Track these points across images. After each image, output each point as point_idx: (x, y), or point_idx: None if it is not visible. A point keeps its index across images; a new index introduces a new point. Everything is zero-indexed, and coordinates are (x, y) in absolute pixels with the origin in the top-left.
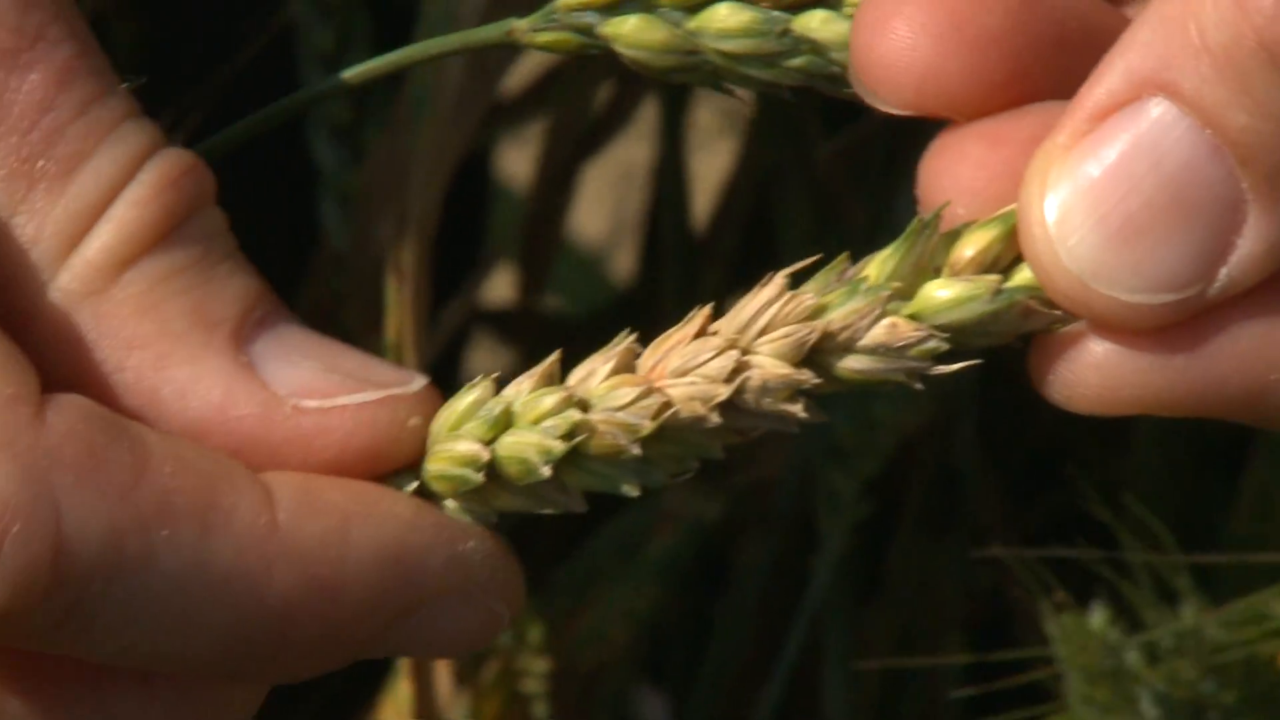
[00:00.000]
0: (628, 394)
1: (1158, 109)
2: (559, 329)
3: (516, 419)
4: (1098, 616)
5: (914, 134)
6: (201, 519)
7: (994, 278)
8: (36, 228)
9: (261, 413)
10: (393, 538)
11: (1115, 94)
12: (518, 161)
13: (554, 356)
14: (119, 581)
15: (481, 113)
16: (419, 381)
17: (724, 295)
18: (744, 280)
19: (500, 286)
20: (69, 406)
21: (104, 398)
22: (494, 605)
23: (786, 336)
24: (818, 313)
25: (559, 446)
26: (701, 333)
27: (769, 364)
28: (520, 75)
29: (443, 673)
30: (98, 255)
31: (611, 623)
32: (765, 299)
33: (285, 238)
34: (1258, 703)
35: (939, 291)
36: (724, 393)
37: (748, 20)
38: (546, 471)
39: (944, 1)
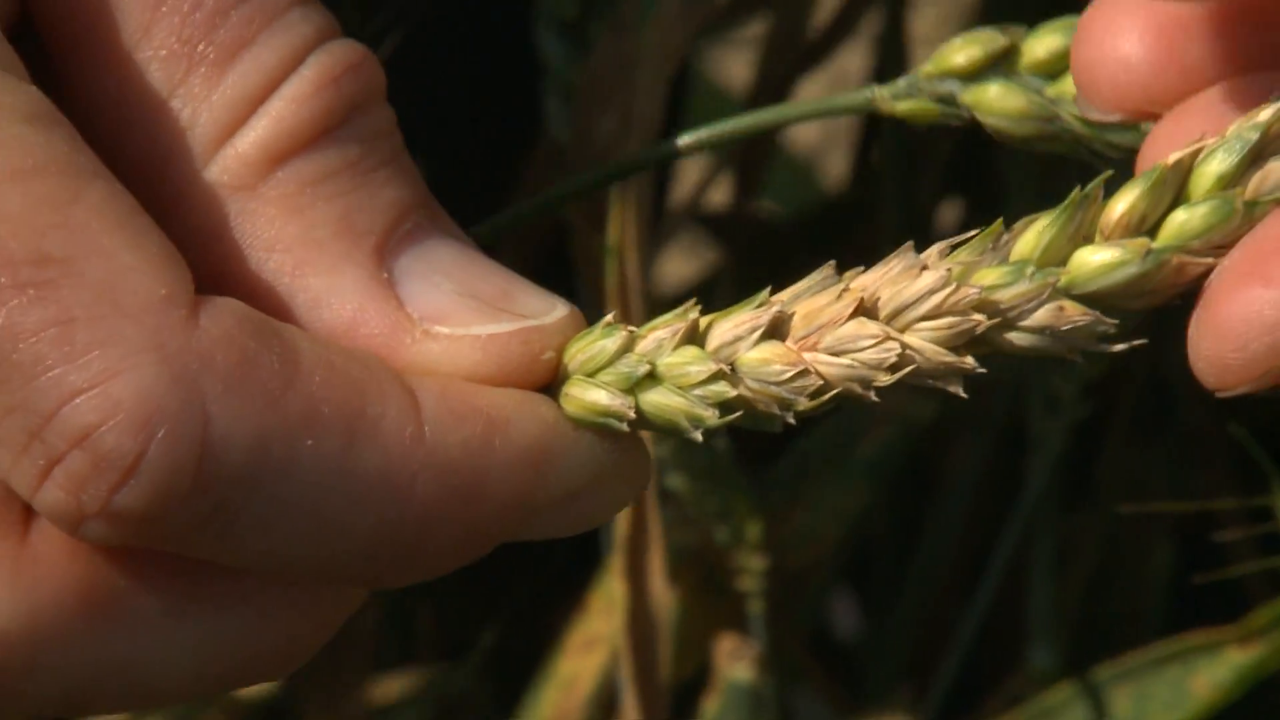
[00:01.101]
0: (782, 370)
1: None
2: (771, 232)
3: (660, 378)
4: None
5: None
6: (348, 429)
7: (1143, 240)
8: (191, 114)
9: (391, 333)
10: (535, 442)
11: None
12: (733, 66)
13: (693, 314)
14: (262, 488)
15: (705, 14)
16: (559, 311)
17: (938, 204)
18: (958, 188)
19: (712, 188)
20: (223, 310)
21: (241, 297)
22: (624, 491)
23: (950, 328)
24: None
25: (711, 417)
26: (859, 310)
27: (930, 350)
28: None
29: (656, 572)
30: (250, 150)
31: (822, 522)
32: (927, 286)
33: (509, 129)
34: None
35: (1093, 256)
36: (885, 380)
37: None
38: (697, 436)
39: (1152, 12)
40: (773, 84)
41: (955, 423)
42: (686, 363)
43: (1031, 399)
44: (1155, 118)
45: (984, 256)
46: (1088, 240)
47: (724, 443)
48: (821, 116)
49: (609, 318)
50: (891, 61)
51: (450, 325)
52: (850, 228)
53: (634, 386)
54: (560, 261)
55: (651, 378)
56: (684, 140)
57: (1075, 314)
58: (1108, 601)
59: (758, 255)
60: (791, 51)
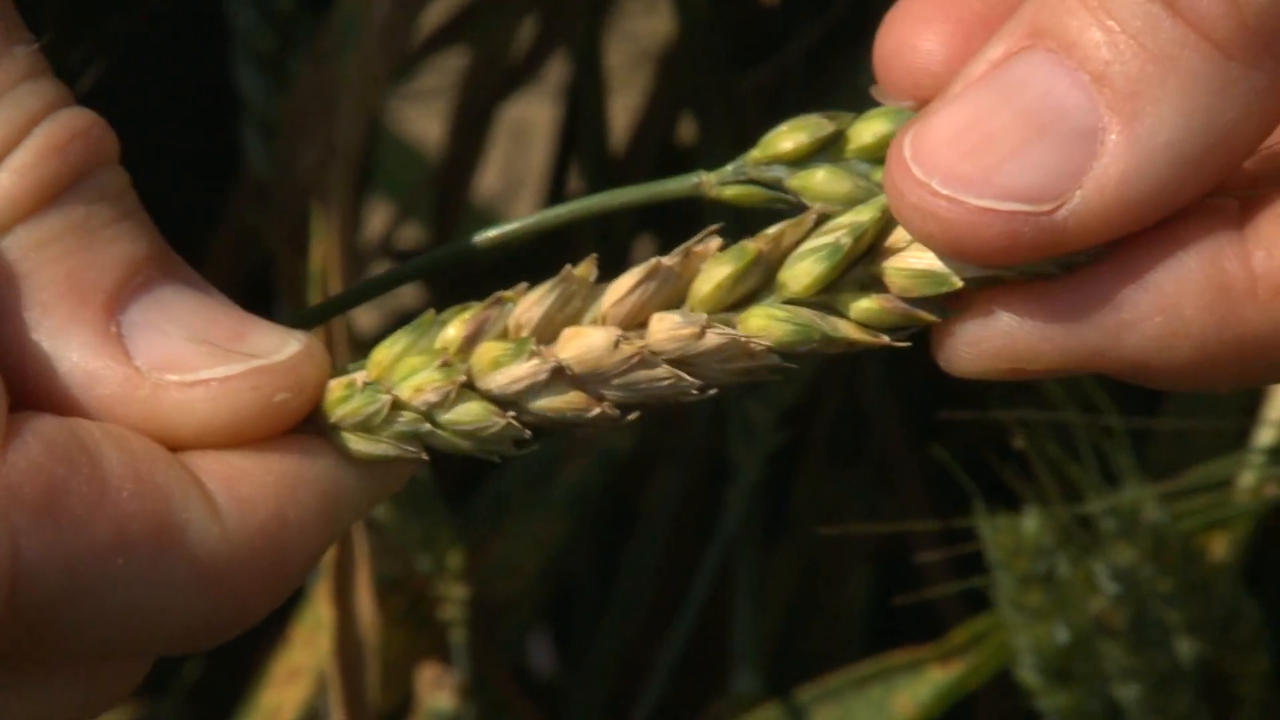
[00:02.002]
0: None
1: (1027, 54)
2: (469, 270)
3: (445, 427)
4: (1030, 519)
5: (831, 68)
6: (155, 542)
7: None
8: None
9: (121, 388)
10: (324, 499)
11: (993, 58)
12: (418, 120)
13: (459, 375)
14: (75, 608)
15: (404, 46)
16: (290, 348)
17: (638, 235)
18: (652, 224)
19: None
20: (31, 438)
21: None
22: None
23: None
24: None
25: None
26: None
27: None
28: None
29: (363, 597)
30: None
31: (522, 552)
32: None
33: (209, 164)
34: (1192, 591)
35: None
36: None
37: None
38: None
39: (958, 7)
40: (473, 115)
41: (654, 452)
42: (472, 420)
43: (730, 428)
44: None
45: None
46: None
47: (426, 472)
48: (649, 201)
49: (359, 376)
50: (590, 80)
51: (179, 372)
52: (548, 262)
53: (420, 436)
54: (264, 288)
55: (437, 428)
56: (502, 229)
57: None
58: (809, 626)
59: (454, 292)
60: (490, 82)
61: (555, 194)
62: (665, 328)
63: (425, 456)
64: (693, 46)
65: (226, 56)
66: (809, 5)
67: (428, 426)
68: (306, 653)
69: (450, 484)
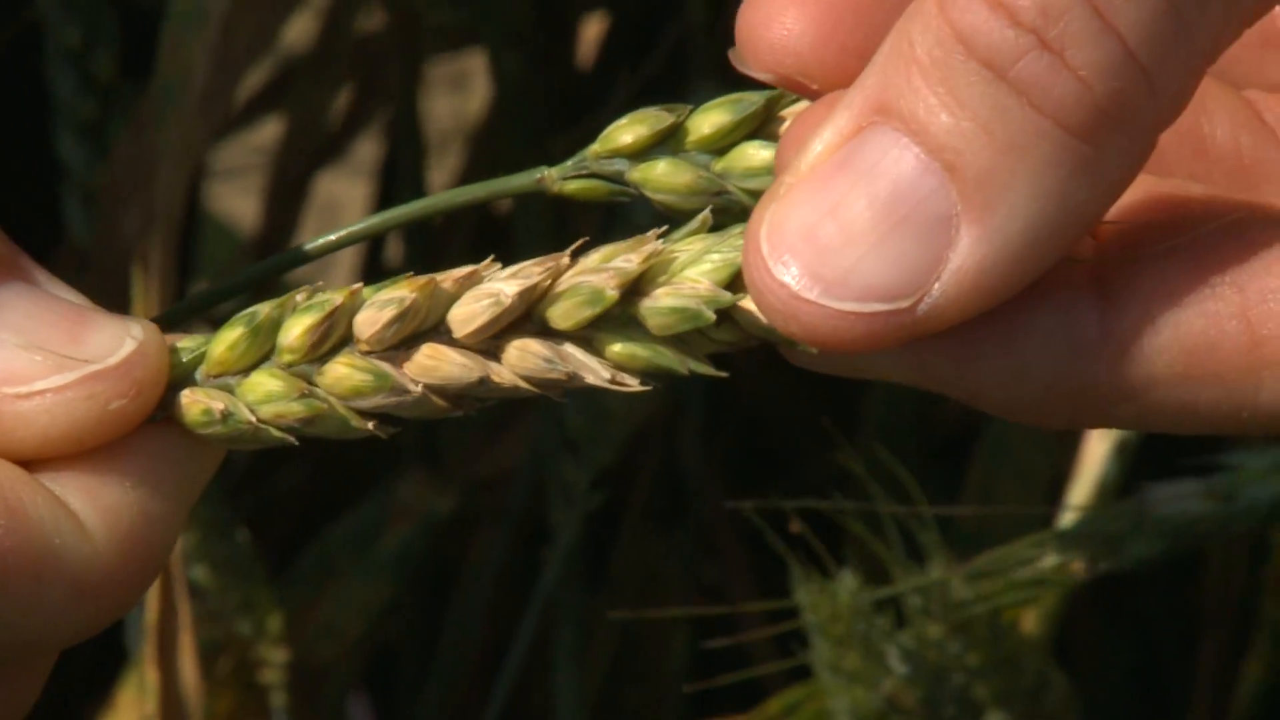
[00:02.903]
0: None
1: (876, 132)
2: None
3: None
4: (846, 582)
5: None
6: (34, 574)
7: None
8: None
9: None
10: (180, 485)
11: (842, 131)
12: (231, 201)
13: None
14: None
15: (224, 111)
16: (126, 346)
17: (455, 253)
18: (475, 237)
19: None
20: None
21: None
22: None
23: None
24: None
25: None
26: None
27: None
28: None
29: (187, 658)
30: None
31: (345, 616)
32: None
33: (27, 234)
34: (1000, 665)
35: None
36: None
37: (774, 156)
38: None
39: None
40: (288, 186)
41: (475, 515)
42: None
43: (549, 490)
44: (806, 91)
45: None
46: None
47: (245, 535)
48: (493, 198)
49: (216, 405)
50: (407, 151)
51: (14, 384)
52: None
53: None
54: None
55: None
56: (345, 231)
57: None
58: (630, 687)
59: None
60: (306, 151)
61: (372, 266)
62: (530, 355)
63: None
64: (508, 112)
65: (46, 124)
66: (622, 66)
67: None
68: (131, 717)
69: (272, 548)
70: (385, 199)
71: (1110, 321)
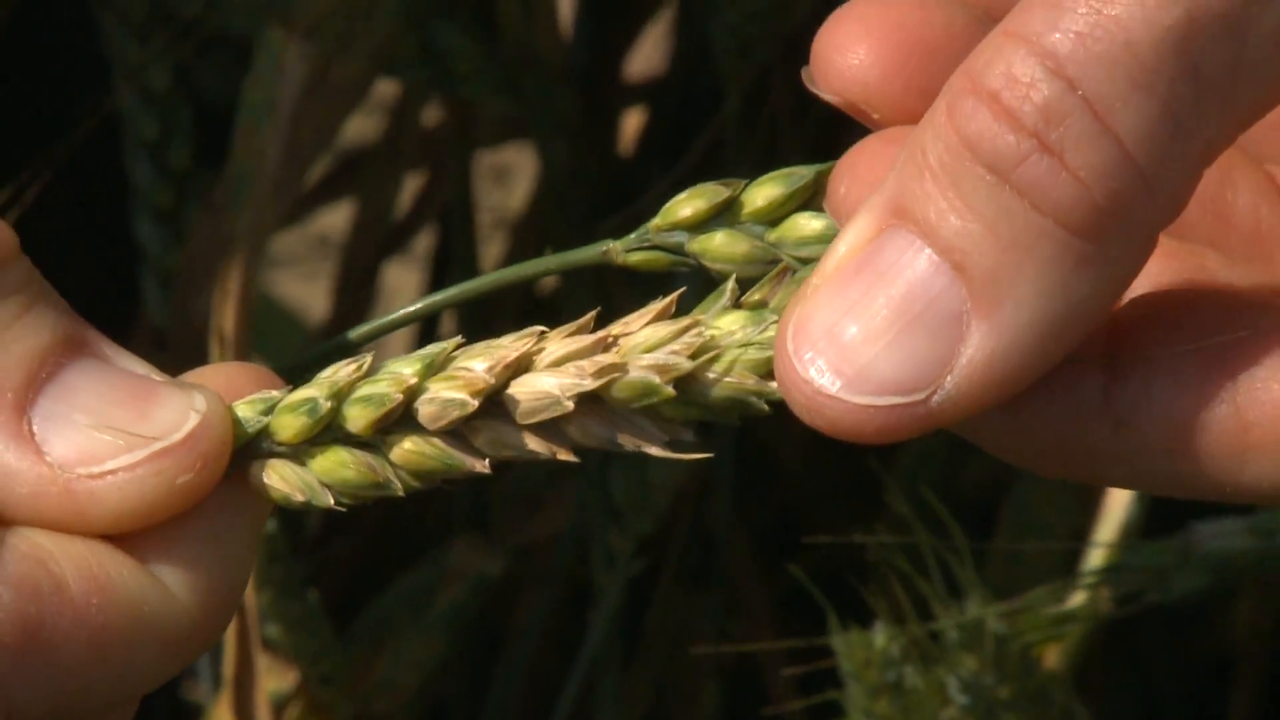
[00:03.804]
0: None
1: (893, 234)
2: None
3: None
4: (880, 634)
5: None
6: (128, 641)
7: None
8: None
9: (35, 488)
10: (248, 532)
11: (863, 234)
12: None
13: None
14: (62, 713)
15: (294, 195)
16: (191, 421)
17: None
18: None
19: None
20: None
21: None
22: None
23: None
24: None
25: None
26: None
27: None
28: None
29: (262, 707)
30: None
31: (402, 671)
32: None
33: (104, 313)
34: (1031, 696)
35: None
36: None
37: (824, 226)
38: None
39: (900, 29)
40: (358, 272)
41: (523, 578)
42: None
43: (592, 555)
44: (868, 119)
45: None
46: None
47: (314, 595)
48: (561, 269)
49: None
50: (461, 237)
51: (87, 465)
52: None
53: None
54: None
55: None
56: (425, 302)
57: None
58: None
59: None
60: (376, 237)
61: (425, 334)
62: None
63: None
64: (554, 195)
65: (126, 210)
66: (662, 156)
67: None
68: None
69: (337, 607)
70: (437, 283)
71: (1113, 391)
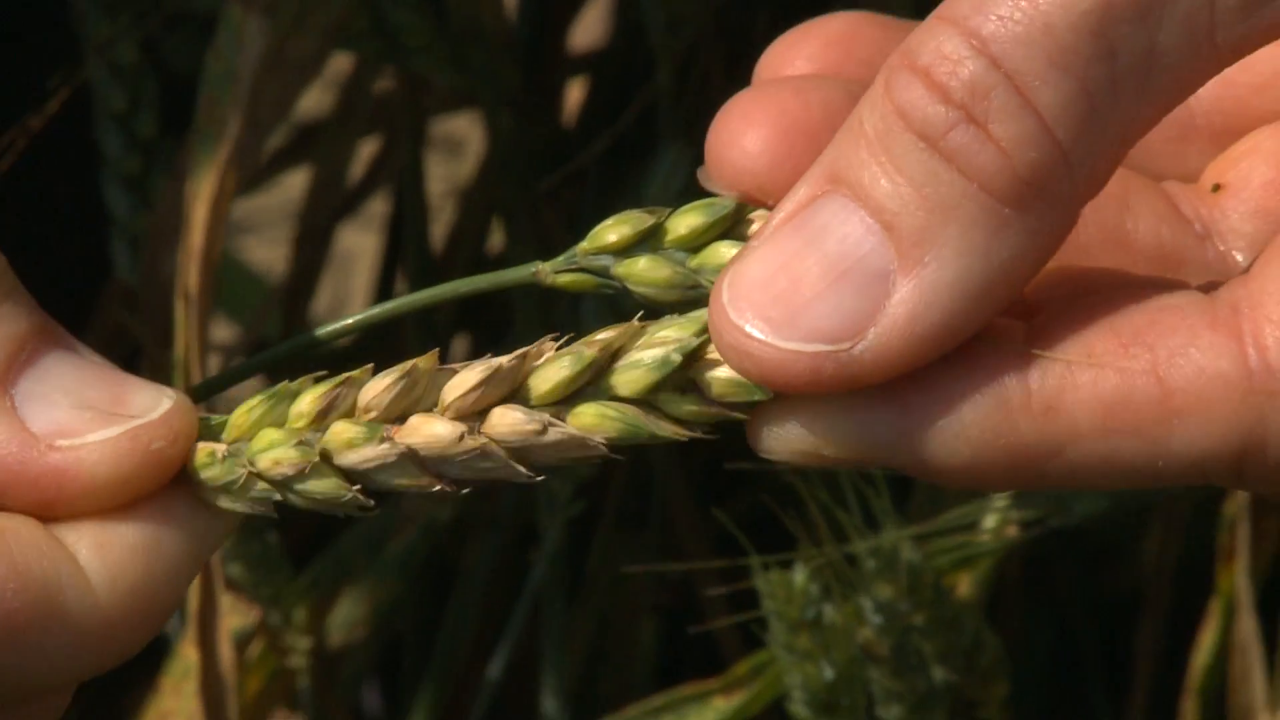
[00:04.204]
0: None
1: (828, 199)
2: (313, 359)
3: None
4: (800, 573)
5: (618, 176)
6: (39, 626)
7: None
8: None
9: (20, 453)
10: (185, 549)
11: (800, 199)
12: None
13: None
14: None
15: (254, 163)
16: (164, 405)
17: (453, 334)
18: (469, 323)
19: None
20: None
21: None
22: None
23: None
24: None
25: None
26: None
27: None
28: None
29: (224, 641)
30: None
31: (358, 610)
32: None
33: (76, 274)
34: (944, 623)
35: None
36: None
37: None
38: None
39: (782, 116)
40: (314, 234)
41: (471, 521)
42: (324, 492)
43: (536, 499)
44: (765, 205)
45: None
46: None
47: (275, 536)
48: (491, 288)
49: (220, 448)
50: (412, 204)
51: (69, 437)
52: (379, 354)
53: (273, 501)
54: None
55: (292, 493)
56: (354, 318)
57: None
58: (606, 668)
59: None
60: (332, 198)
61: (385, 283)
62: (508, 422)
63: (275, 515)
64: (500, 162)
65: (96, 176)
66: (603, 125)
67: (279, 496)
68: (175, 699)
69: (296, 548)
70: (393, 248)
71: (1034, 381)
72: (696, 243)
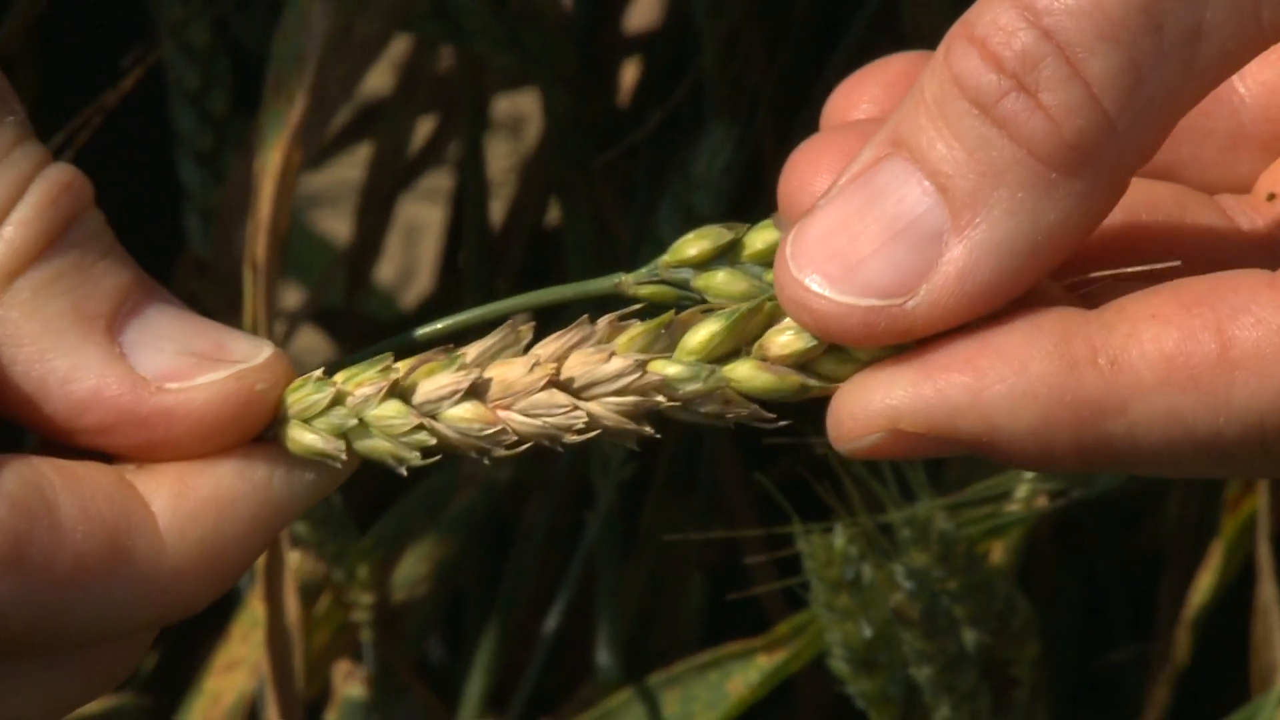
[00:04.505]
0: (481, 428)
1: (889, 161)
2: (379, 327)
3: (369, 427)
4: (840, 536)
5: (669, 153)
6: (108, 569)
7: (795, 376)
8: None
9: (131, 394)
10: (257, 512)
11: (864, 162)
12: (327, 220)
13: (392, 373)
14: (42, 630)
15: (320, 137)
16: (265, 352)
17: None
18: (532, 282)
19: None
20: None
21: (5, 385)
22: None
23: (634, 406)
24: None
25: (415, 458)
26: (551, 383)
27: (613, 420)
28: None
29: (290, 596)
30: None
31: (420, 566)
32: (616, 370)
33: (152, 245)
34: (975, 589)
35: (756, 375)
36: (573, 438)
37: None
38: (402, 471)
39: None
40: (377, 203)
41: (528, 483)
42: (391, 416)
43: (590, 461)
44: None
45: (657, 342)
46: (747, 347)
47: (338, 497)
48: (577, 298)
49: (319, 373)
50: (472, 179)
51: (177, 381)
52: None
53: (346, 433)
54: None
55: (362, 425)
56: (451, 320)
57: (739, 405)
58: (657, 624)
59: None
60: (393, 172)
61: (447, 274)
62: (580, 360)
63: (344, 456)
64: (556, 138)
65: (170, 153)
66: (652, 101)
67: (355, 421)
68: (243, 647)
69: (361, 510)
70: (456, 220)
71: (1098, 339)
72: (771, 257)
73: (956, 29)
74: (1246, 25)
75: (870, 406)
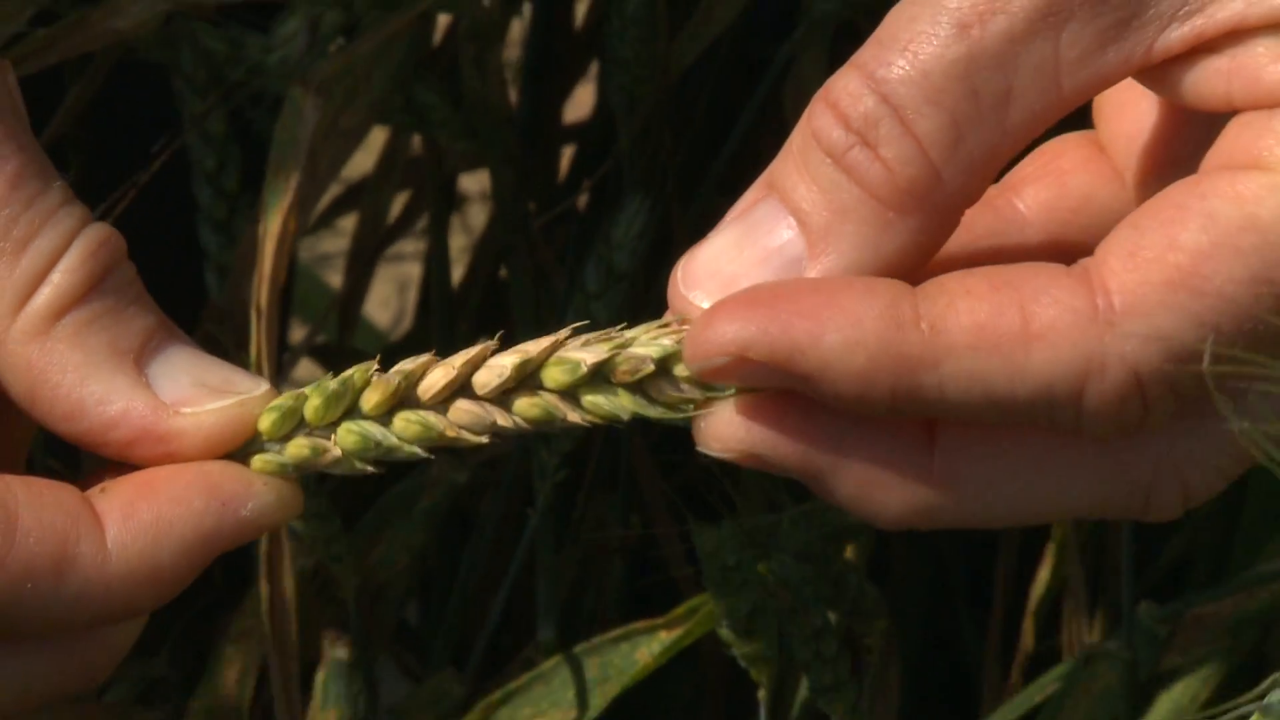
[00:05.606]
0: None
1: (764, 202)
2: (359, 358)
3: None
4: (725, 530)
5: (597, 216)
6: (55, 571)
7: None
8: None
9: (153, 415)
10: (188, 535)
11: (746, 202)
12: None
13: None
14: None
15: (312, 208)
16: (262, 387)
17: (474, 338)
18: (486, 327)
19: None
20: None
21: (49, 402)
22: (272, 519)
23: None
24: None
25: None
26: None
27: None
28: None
29: (288, 578)
30: (41, 308)
31: (396, 553)
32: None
33: (179, 297)
34: (828, 582)
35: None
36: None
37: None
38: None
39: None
40: (363, 258)
41: (483, 485)
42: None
43: (532, 467)
44: None
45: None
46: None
47: (325, 500)
48: None
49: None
50: (439, 246)
51: (191, 406)
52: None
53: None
54: None
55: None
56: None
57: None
58: (586, 601)
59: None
60: (374, 237)
61: (422, 318)
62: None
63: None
64: (504, 208)
65: (193, 221)
66: (583, 177)
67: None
68: (253, 620)
69: (347, 508)
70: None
71: (923, 306)
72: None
73: (819, 94)
74: (1049, 91)
75: (725, 334)
